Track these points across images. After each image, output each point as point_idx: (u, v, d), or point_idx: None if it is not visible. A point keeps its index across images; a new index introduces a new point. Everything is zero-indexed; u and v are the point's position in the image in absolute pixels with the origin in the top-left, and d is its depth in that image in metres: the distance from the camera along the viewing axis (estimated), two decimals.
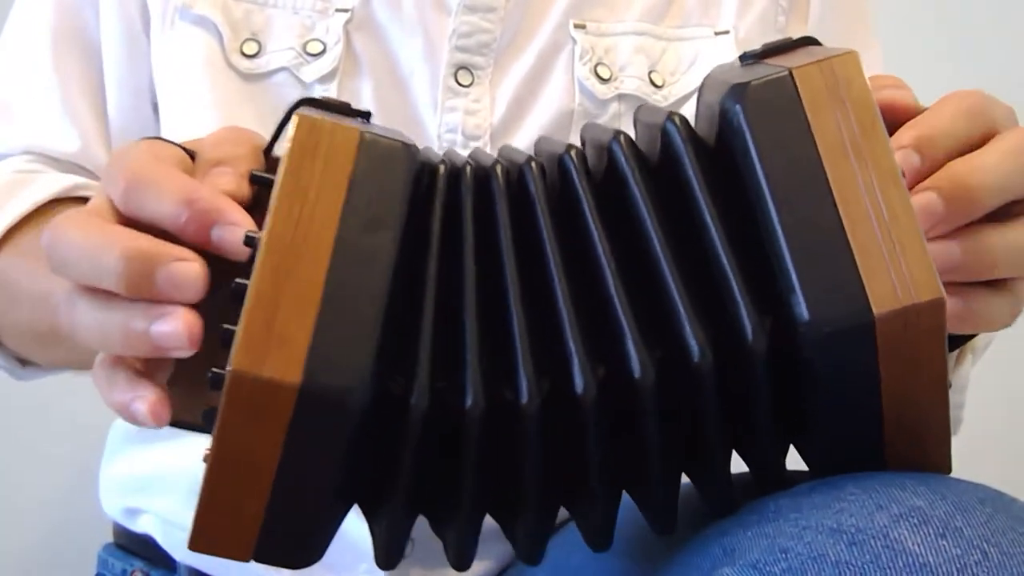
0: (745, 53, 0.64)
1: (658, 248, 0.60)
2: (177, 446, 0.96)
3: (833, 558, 0.56)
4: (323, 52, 0.92)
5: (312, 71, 0.92)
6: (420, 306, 0.59)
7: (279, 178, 0.57)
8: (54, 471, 1.50)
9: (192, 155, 0.63)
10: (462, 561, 0.65)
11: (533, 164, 0.62)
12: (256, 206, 0.60)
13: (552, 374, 0.60)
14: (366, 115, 0.62)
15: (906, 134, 0.61)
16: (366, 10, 0.93)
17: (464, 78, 0.93)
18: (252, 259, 0.57)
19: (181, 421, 0.61)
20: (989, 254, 0.61)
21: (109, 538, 1.06)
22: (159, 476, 0.97)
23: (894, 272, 0.57)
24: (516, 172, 0.63)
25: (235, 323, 0.56)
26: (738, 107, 0.60)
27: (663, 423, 0.61)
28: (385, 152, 0.58)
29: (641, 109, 0.68)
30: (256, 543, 0.58)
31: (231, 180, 0.60)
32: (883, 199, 0.58)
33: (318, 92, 0.92)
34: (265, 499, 0.57)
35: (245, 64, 0.92)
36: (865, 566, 0.55)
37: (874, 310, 0.57)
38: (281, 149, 0.62)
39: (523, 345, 0.60)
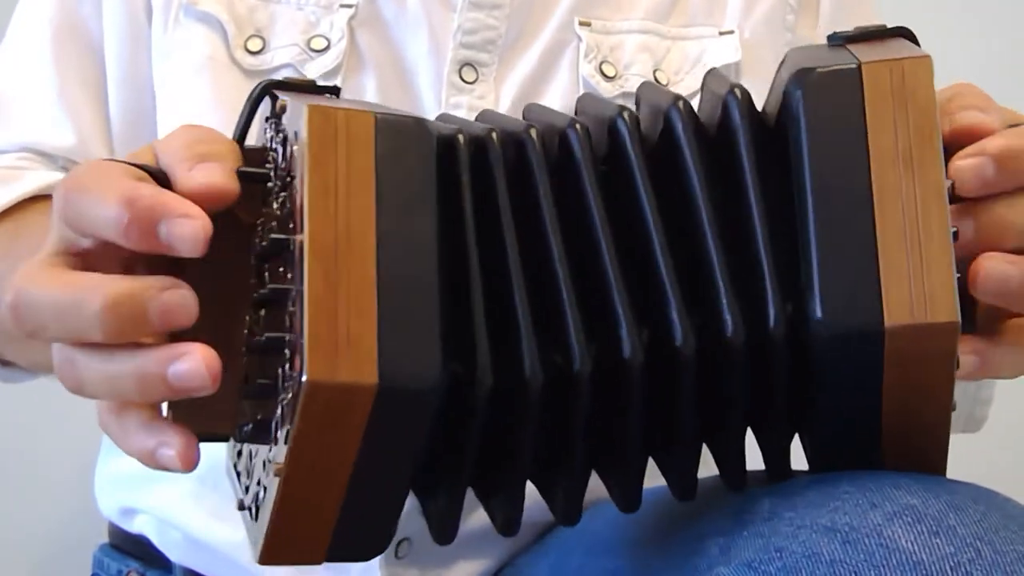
0: (834, 34, 0.64)
1: (706, 221, 0.60)
2: None
3: (827, 557, 0.56)
4: (327, 48, 0.92)
5: (316, 67, 0.92)
6: (468, 285, 0.59)
7: (304, 175, 0.55)
8: (49, 471, 1.50)
9: (149, 171, 0.58)
10: (510, 526, 0.64)
11: (578, 127, 0.61)
12: (241, 202, 0.58)
13: (600, 340, 0.60)
14: (335, 91, 0.60)
15: (995, 142, 0.59)
16: (371, 6, 0.93)
17: (468, 75, 0.93)
18: (276, 260, 0.56)
19: (200, 435, 0.59)
20: (1001, 226, 0.60)
21: (104, 538, 1.05)
22: (155, 476, 0.96)
23: (914, 288, 0.57)
24: (559, 135, 0.62)
25: (272, 329, 0.55)
26: (799, 93, 0.59)
27: (696, 394, 0.61)
28: (403, 131, 0.57)
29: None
30: (330, 544, 0.58)
31: (220, 174, 0.56)
32: (921, 214, 0.57)
33: None
34: (340, 502, 0.57)
35: (249, 61, 0.92)
36: (859, 564, 0.55)
37: (886, 321, 0.57)
38: (254, 140, 0.61)
39: (573, 312, 0.59)
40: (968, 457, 0.73)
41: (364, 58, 0.93)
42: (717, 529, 0.62)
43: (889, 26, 0.63)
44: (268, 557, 0.58)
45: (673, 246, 0.60)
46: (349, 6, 0.93)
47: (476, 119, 0.68)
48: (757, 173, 0.60)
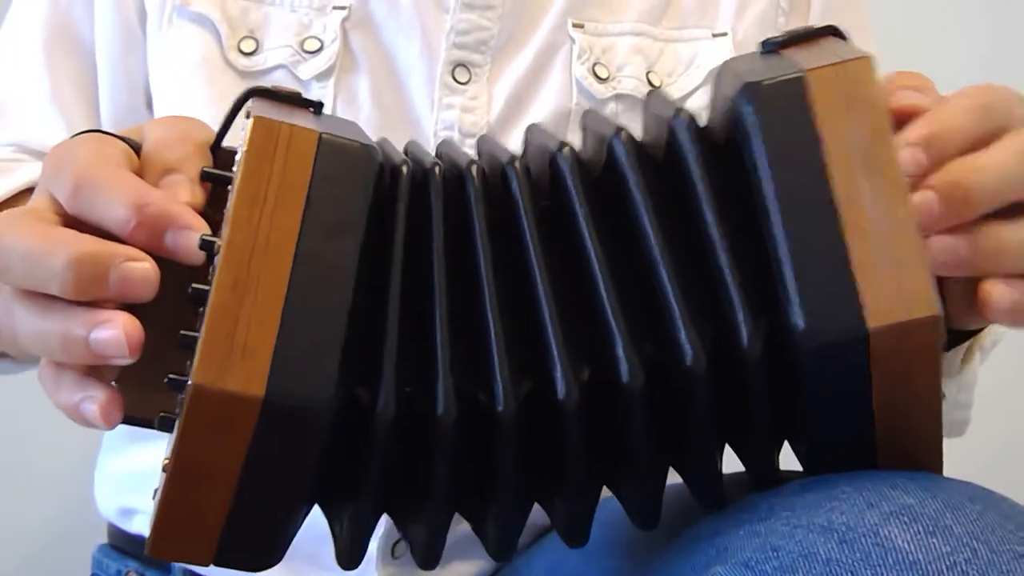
0: (767, 40, 0.64)
1: (655, 248, 0.60)
2: None
3: (824, 556, 0.56)
4: (320, 49, 0.92)
5: (309, 68, 0.92)
6: (384, 312, 0.59)
7: (236, 183, 0.55)
8: (48, 471, 1.50)
9: (136, 147, 0.61)
10: (429, 560, 0.64)
11: (517, 165, 0.61)
12: (211, 203, 0.59)
13: (533, 378, 0.60)
14: (318, 106, 0.60)
15: (916, 131, 0.60)
16: (364, 8, 0.93)
17: (461, 75, 0.93)
18: (209, 262, 0.56)
19: (132, 417, 0.60)
20: (997, 251, 0.60)
21: (104, 539, 1.06)
22: (154, 475, 0.95)
23: (892, 287, 0.57)
24: (497, 172, 0.62)
25: (192, 327, 0.55)
26: (749, 108, 0.59)
27: (650, 424, 0.61)
28: (345, 154, 0.57)
29: (651, 97, 0.67)
30: (217, 549, 0.58)
31: (184, 190, 0.59)
32: (887, 213, 0.57)
33: (315, 89, 0.92)
34: (227, 508, 0.57)
35: (243, 62, 0.92)
36: (855, 564, 0.55)
37: (868, 324, 0.57)
38: (233, 140, 0.61)
39: (499, 349, 0.59)
40: (965, 456, 0.73)
41: (357, 59, 0.93)
42: (713, 529, 0.62)
43: (817, 26, 0.64)
44: (154, 549, 0.58)
45: (620, 279, 0.60)
46: (342, 8, 0.93)
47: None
48: (712, 193, 0.60)
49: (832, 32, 0.63)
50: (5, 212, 0.59)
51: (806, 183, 0.58)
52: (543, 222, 0.61)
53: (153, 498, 0.59)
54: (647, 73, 0.96)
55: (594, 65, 0.95)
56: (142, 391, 0.59)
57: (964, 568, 0.54)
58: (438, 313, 0.59)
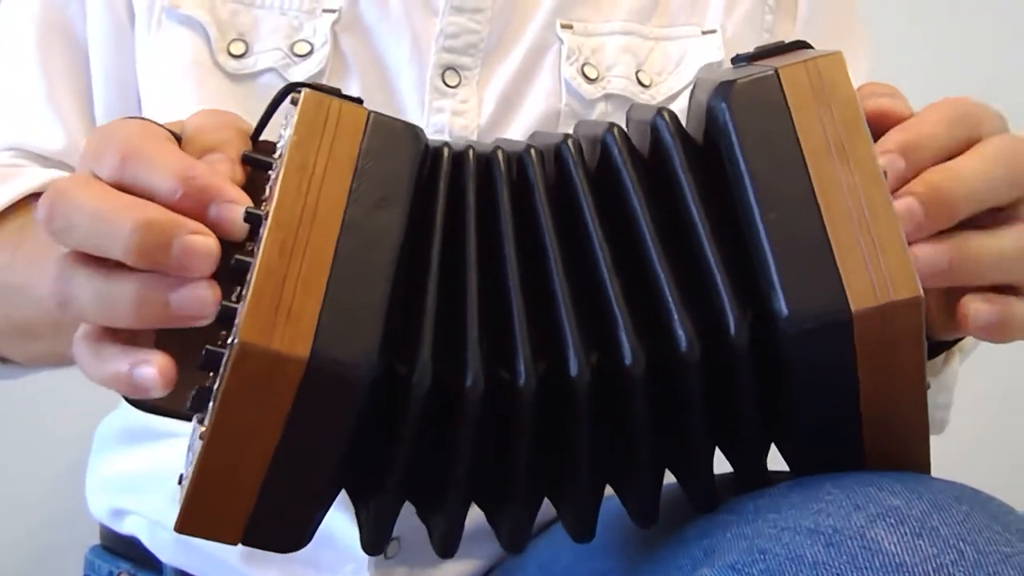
0: (737, 55, 0.65)
1: (649, 240, 0.61)
2: (163, 447, 0.96)
3: (811, 559, 0.56)
4: (310, 53, 0.92)
5: (299, 72, 0.92)
6: (423, 287, 0.60)
7: (286, 151, 0.57)
8: (40, 472, 1.50)
9: (177, 138, 0.62)
10: (447, 548, 0.65)
11: (532, 151, 0.63)
12: (248, 188, 0.59)
13: (549, 358, 0.60)
14: (358, 101, 0.61)
15: (892, 138, 0.61)
16: (353, 11, 0.93)
17: (451, 79, 0.93)
18: (251, 236, 0.57)
19: (158, 407, 0.61)
20: (976, 261, 0.61)
21: (96, 540, 1.06)
22: (145, 477, 0.97)
23: (873, 270, 0.57)
24: (516, 159, 0.63)
25: (233, 300, 0.56)
26: (724, 105, 0.60)
27: (651, 413, 0.61)
28: (392, 131, 0.59)
29: (633, 107, 0.69)
30: (247, 525, 0.58)
31: (225, 166, 0.60)
32: (865, 199, 0.58)
33: None
34: (261, 477, 0.57)
35: (232, 64, 0.92)
36: (842, 567, 0.55)
37: (852, 307, 0.57)
38: (272, 135, 0.62)
39: (521, 328, 0.60)
40: (971, 457, 0.73)
41: (348, 62, 0.93)
42: (701, 531, 0.63)
43: (788, 40, 0.65)
44: (184, 525, 0.58)
45: (621, 266, 0.61)
46: (332, 11, 0.93)
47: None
48: (695, 187, 0.61)
49: (802, 46, 0.65)
50: (64, 176, 0.60)
51: (784, 174, 0.59)
52: (556, 210, 0.62)
53: (180, 483, 0.59)
54: (636, 72, 0.96)
55: (583, 66, 0.95)
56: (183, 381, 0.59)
57: (951, 570, 0.55)
58: (469, 290, 0.60)
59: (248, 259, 0.56)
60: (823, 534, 0.57)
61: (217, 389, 0.55)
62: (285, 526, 0.60)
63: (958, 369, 0.82)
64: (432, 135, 0.90)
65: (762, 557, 0.57)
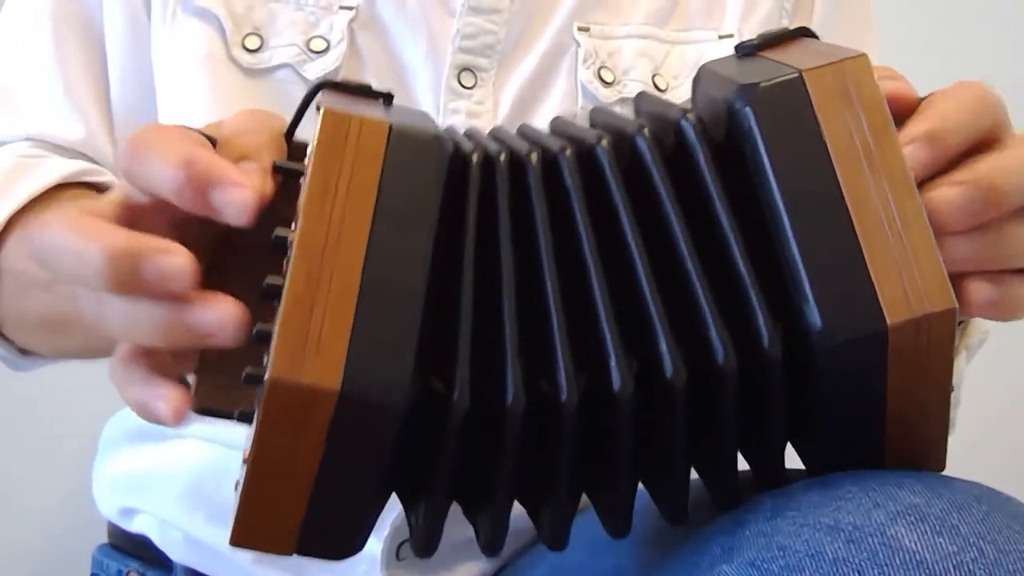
0: (741, 43, 0.64)
1: (685, 249, 0.60)
2: (172, 446, 0.96)
3: (831, 555, 0.56)
4: (326, 50, 0.92)
5: (315, 68, 0.91)
6: (457, 303, 0.58)
7: (307, 176, 0.56)
8: (49, 470, 1.50)
9: (213, 142, 0.61)
10: (494, 546, 0.65)
11: (568, 153, 0.61)
12: (282, 196, 0.59)
13: (589, 369, 0.60)
14: (388, 97, 0.61)
15: (917, 127, 0.60)
16: (371, 9, 0.93)
17: (467, 80, 0.93)
18: (283, 257, 0.56)
19: (212, 409, 0.60)
20: (1008, 244, 0.61)
21: (104, 538, 1.05)
22: (154, 476, 0.97)
23: (907, 281, 0.57)
24: (551, 160, 0.61)
25: (267, 320, 0.55)
26: (748, 110, 0.59)
27: (688, 422, 0.61)
28: (416, 145, 0.57)
29: (643, 98, 0.67)
30: (299, 537, 0.58)
31: (255, 177, 0.58)
32: (896, 207, 0.57)
33: None
34: (307, 499, 0.57)
35: (247, 59, 0.92)
36: (862, 563, 0.55)
37: (887, 320, 0.57)
38: (304, 134, 0.61)
39: (562, 340, 0.59)
40: (974, 458, 0.73)
41: (363, 61, 0.93)
42: (719, 528, 0.62)
43: (791, 28, 0.64)
44: (238, 539, 0.58)
45: (658, 275, 0.60)
46: (349, 8, 0.92)
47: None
48: (724, 194, 0.60)
49: (805, 33, 0.64)
50: (59, 207, 0.60)
51: (814, 182, 0.58)
52: (593, 215, 0.61)
53: (235, 489, 0.59)
54: (653, 76, 0.96)
55: (599, 69, 0.95)
56: (219, 383, 0.60)
57: (971, 568, 0.54)
58: (506, 302, 0.59)
59: (278, 282, 0.55)
60: (843, 531, 0.56)
61: (255, 410, 0.55)
62: (337, 535, 0.60)
63: (965, 368, 0.82)
64: None
65: (782, 553, 0.57)
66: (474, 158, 0.60)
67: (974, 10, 1.70)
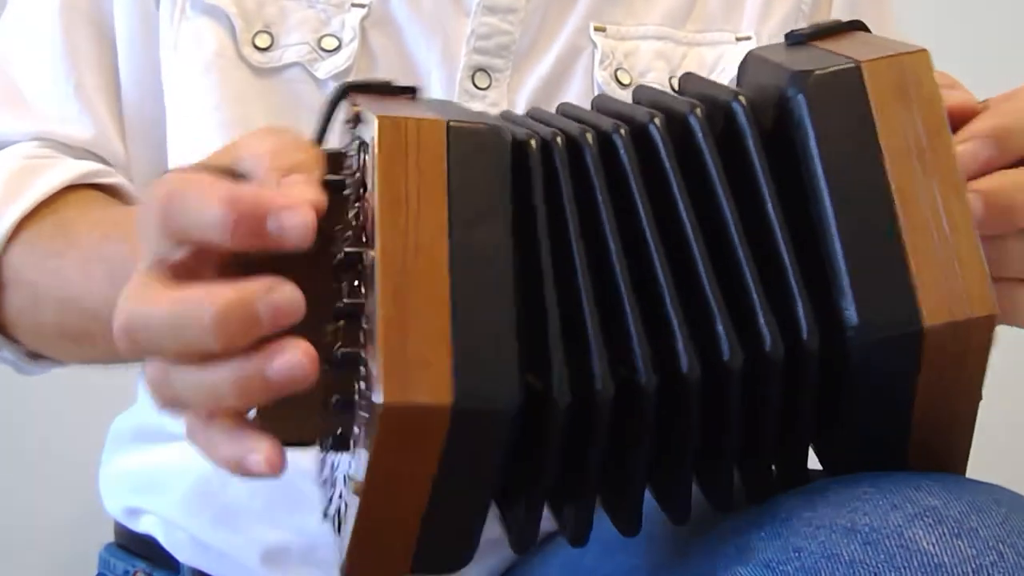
0: (791, 32, 0.63)
1: (736, 236, 0.59)
2: (178, 447, 0.95)
3: (847, 557, 0.55)
4: (338, 48, 0.91)
5: (326, 67, 0.91)
6: (542, 296, 0.57)
7: (375, 189, 0.54)
8: (55, 470, 1.50)
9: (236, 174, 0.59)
10: (580, 538, 0.63)
11: (623, 131, 0.60)
12: (328, 212, 0.57)
13: (659, 354, 0.58)
14: (412, 91, 0.60)
15: (984, 122, 0.60)
16: (384, 7, 0.92)
17: (482, 80, 0.92)
18: (345, 276, 0.56)
19: (286, 442, 0.58)
20: (1011, 204, 0.60)
21: (111, 538, 1.05)
22: (161, 476, 0.97)
23: (949, 284, 0.56)
24: (605, 141, 0.60)
25: (348, 343, 0.55)
26: (801, 97, 0.58)
27: (743, 409, 0.60)
28: (475, 139, 0.56)
29: (689, 79, 0.66)
30: (413, 560, 0.58)
31: (310, 189, 0.55)
32: (944, 209, 0.57)
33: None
34: (420, 518, 0.56)
35: (257, 57, 0.91)
36: (879, 565, 0.55)
37: (925, 321, 0.56)
38: (330, 143, 0.61)
39: (637, 326, 0.58)
40: (987, 460, 0.72)
41: (376, 60, 0.92)
42: (734, 529, 0.62)
43: (844, 20, 0.63)
44: (353, 570, 0.58)
45: (711, 258, 0.59)
46: (361, 5, 0.92)
47: (529, 116, 0.66)
48: (773, 181, 0.59)
49: (857, 27, 0.63)
50: (124, 291, 0.57)
51: (862, 177, 0.57)
52: (650, 198, 0.59)
53: (325, 517, 0.60)
54: (670, 78, 0.95)
55: (616, 70, 0.94)
56: (283, 413, 0.58)
57: (990, 571, 0.54)
58: (584, 290, 0.58)
59: (358, 301, 0.54)
60: (860, 533, 0.56)
61: (361, 439, 0.55)
62: (449, 550, 0.59)
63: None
64: None
65: (797, 555, 0.57)
66: (532, 144, 0.59)
67: (996, 13, 1.70)
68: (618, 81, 0.94)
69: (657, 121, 0.60)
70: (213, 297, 0.53)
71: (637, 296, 0.58)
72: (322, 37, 0.91)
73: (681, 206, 0.59)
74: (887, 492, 0.57)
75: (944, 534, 0.55)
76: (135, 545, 1.01)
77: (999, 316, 0.57)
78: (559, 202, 0.59)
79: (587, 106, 0.67)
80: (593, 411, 0.58)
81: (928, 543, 0.55)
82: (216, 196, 0.54)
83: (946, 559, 0.54)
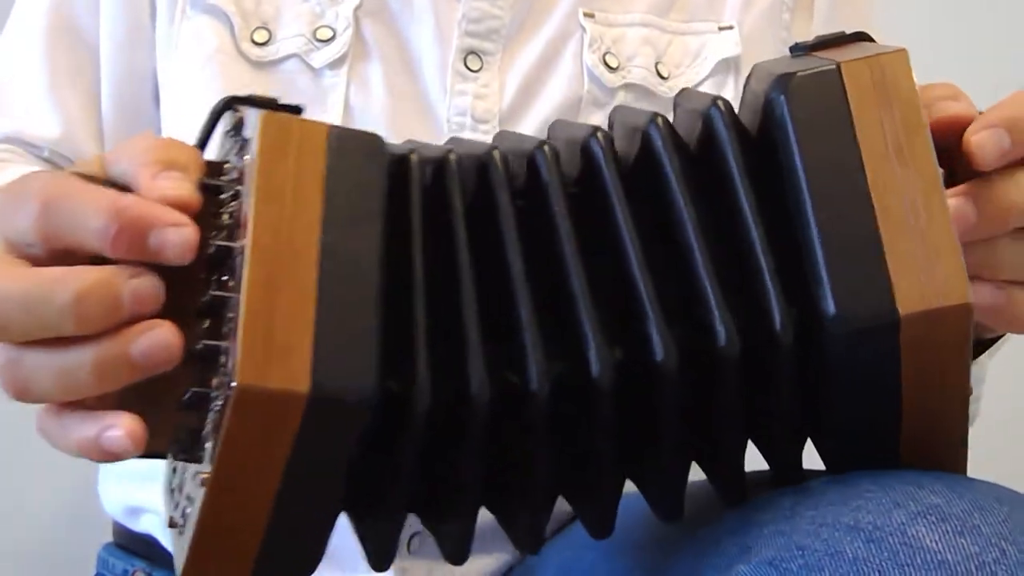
0: (796, 44, 0.64)
1: (690, 233, 0.60)
2: None
3: (851, 555, 0.56)
4: (333, 38, 0.92)
5: (322, 57, 0.92)
6: (411, 299, 0.58)
7: (252, 183, 0.55)
8: (54, 469, 1.49)
9: (115, 186, 0.57)
10: (458, 555, 0.64)
11: (546, 148, 0.61)
12: (202, 215, 0.57)
13: (567, 358, 0.59)
14: (297, 110, 0.59)
15: (994, 114, 0.60)
16: None
17: (473, 63, 0.93)
18: (214, 272, 0.56)
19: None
20: (1004, 208, 0.60)
21: (110, 537, 1.05)
22: (158, 476, 0.96)
23: (925, 275, 0.57)
24: (523, 159, 0.61)
25: (211, 337, 0.55)
26: (782, 98, 0.59)
27: (681, 408, 0.60)
28: (356, 144, 0.57)
29: (683, 94, 0.67)
30: (255, 563, 0.57)
31: (182, 184, 0.55)
32: (922, 202, 0.58)
33: (328, 78, 0.92)
34: (267, 517, 0.56)
35: (256, 52, 0.92)
36: (883, 563, 0.55)
37: (900, 310, 0.57)
38: (212, 154, 0.60)
39: (531, 331, 0.59)
40: (988, 460, 0.73)
41: (370, 47, 0.93)
42: (736, 527, 0.62)
43: (848, 32, 0.64)
44: (189, 572, 0.57)
45: (653, 261, 0.60)
46: None
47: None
48: (748, 181, 0.60)
49: (862, 37, 0.64)
50: None
51: (841, 173, 0.58)
52: (572, 207, 0.60)
53: (171, 526, 0.58)
54: (656, 64, 0.97)
55: (604, 55, 0.95)
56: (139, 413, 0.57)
57: (993, 568, 0.54)
58: (464, 295, 0.59)
59: (227, 294, 0.54)
60: (863, 530, 0.56)
61: (211, 432, 0.54)
62: (293, 557, 0.59)
63: (988, 363, 0.82)
64: (455, 118, 0.92)
65: (801, 553, 0.57)
66: (413, 157, 0.60)
67: (978, 9, 1.70)
68: (606, 65, 0.95)
69: (599, 135, 0.61)
70: (74, 276, 0.53)
71: (543, 303, 0.59)
72: (317, 28, 0.93)
73: (618, 215, 0.60)
74: (890, 490, 0.58)
75: (947, 532, 0.55)
76: (134, 544, 1.01)
77: (976, 307, 0.58)
78: (448, 214, 0.60)
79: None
80: (468, 416, 0.58)
81: (931, 540, 0.55)
82: (101, 205, 0.54)
83: (949, 556, 0.54)
